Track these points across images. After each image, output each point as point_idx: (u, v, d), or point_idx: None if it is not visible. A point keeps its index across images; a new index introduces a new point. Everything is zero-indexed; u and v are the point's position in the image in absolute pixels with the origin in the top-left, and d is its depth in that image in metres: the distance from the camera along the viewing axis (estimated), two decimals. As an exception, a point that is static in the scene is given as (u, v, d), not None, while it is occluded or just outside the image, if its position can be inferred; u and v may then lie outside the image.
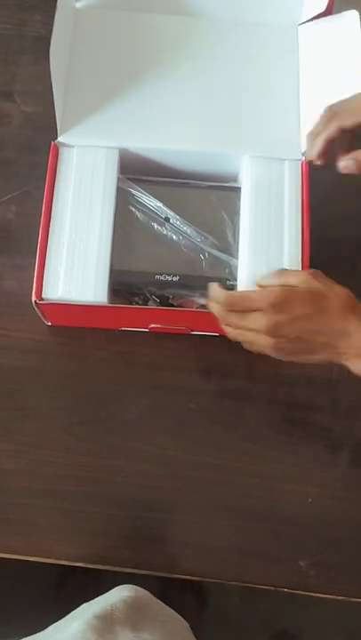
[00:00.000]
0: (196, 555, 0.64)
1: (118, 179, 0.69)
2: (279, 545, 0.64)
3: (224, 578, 0.63)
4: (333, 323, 0.53)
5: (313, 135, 0.64)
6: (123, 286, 0.68)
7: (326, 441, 0.68)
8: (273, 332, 0.54)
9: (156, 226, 0.68)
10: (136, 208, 0.69)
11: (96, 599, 0.67)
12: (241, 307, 0.55)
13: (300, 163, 0.70)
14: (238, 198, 0.69)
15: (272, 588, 0.64)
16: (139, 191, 0.69)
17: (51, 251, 0.66)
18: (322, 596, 0.63)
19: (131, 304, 0.69)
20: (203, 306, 0.71)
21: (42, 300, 0.64)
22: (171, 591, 1.17)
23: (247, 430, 0.68)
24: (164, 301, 0.70)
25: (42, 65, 0.79)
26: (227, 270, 0.67)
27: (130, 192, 0.69)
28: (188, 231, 0.68)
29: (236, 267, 0.66)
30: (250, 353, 0.71)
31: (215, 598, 1.20)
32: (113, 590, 0.67)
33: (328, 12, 0.74)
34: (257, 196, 0.69)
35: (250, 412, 0.69)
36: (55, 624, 0.65)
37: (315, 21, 0.76)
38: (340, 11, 0.73)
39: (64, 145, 0.70)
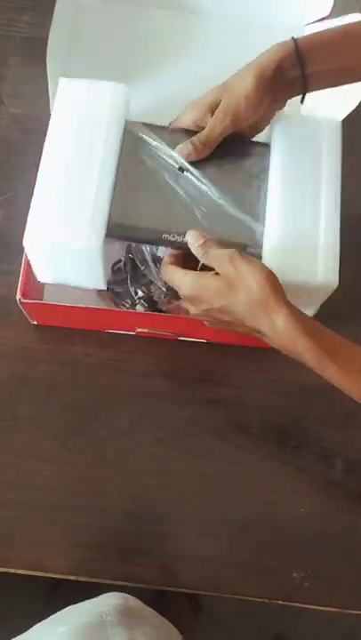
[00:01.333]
0: (188, 567, 0.63)
1: (127, 122, 0.60)
2: (273, 556, 0.63)
3: (217, 591, 0.62)
4: (245, 319, 0.50)
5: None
6: (122, 240, 0.60)
7: (321, 450, 0.67)
8: (196, 316, 0.54)
9: (167, 177, 0.58)
10: (147, 156, 0.59)
11: (83, 603, 0.66)
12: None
13: (339, 125, 0.61)
14: (267, 155, 0.60)
15: (266, 601, 0.63)
16: (151, 137, 0.59)
17: (43, 192, 0.56)
18: (316, 608, 0.63)
19: (118, 307, 0.68)
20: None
21: (26, 298, 0.63)
22: (165, 596, 1.17)
23: (241, 440, 0.67)
24: (153, 306, 0.69)
25: (30, 67, 0.78)
26: (248, 235, 0.57)
27: (141, 138, 0.60)
28: (206, 187, 0.58)
29: (262, 233, 0.57)
30: (243, 360, 0.71)
31: (210, 603, 1.20)
32: (102, 596, 0.67)
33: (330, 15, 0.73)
34: (290, 155, 0.59)
35: (242, 421, 0.68)
36: (40, 623, 0.64)
37: (319, 23, 0.75)
38: (342, 13, 0.71)
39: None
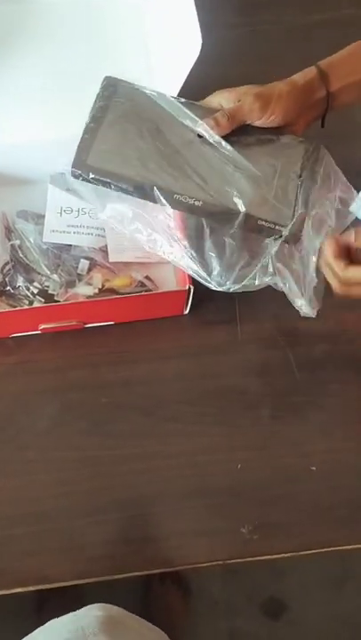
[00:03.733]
0: (136, 549, 0.62)
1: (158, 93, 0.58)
2: (218, 517, 0.63)
3: (168, 565, 0.61)
4: None
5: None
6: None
7: (244, 403, 0.67)
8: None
9: (181, 144, 0.56)
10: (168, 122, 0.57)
11: (65, 617, 0.64)
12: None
13: None
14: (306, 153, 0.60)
15: (221, 562, 0.62)
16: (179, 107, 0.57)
17: None
18: (271, 557, 0.62)
19: (15, 308, 0.66)
20: (90, 296, 0.69)
21: None
22: (151, 587, 1.16)
23: (164, 411, 0.67)
24: (50, 300, 0.67)
25: None
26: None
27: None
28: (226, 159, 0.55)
29: (289, 217, 0.56)
30: (153, 333, 0.70)
31: (198, 584, 1.19)
32: (83, 609, 0.65)
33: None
34: None
35: (164, 392, 0.67)
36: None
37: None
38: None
39: None
